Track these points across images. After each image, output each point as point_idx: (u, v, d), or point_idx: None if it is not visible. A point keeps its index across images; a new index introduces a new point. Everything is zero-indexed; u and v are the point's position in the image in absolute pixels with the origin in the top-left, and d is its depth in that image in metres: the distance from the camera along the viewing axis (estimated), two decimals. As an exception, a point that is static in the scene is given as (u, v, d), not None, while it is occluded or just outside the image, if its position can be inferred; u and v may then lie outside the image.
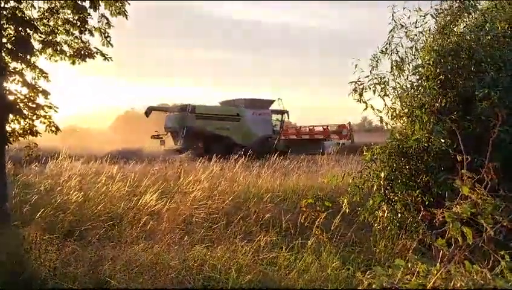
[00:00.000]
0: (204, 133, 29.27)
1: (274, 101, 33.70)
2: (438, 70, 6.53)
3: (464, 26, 6.72)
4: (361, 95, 7.33)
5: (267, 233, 6.34)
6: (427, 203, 6.38)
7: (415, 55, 7.27)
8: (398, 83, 7.23)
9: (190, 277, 4.61)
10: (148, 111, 30.51)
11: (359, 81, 7.38)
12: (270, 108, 33.69)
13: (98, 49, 8.69)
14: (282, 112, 33.96)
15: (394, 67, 7.29)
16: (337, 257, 5.55)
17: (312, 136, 34.03)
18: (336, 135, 33.94)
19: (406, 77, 7.27)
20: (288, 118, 35.03)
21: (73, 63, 8.86)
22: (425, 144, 6.21)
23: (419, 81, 6.83)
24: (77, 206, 7.37)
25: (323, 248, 5.75)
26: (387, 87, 7.24)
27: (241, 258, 5.12)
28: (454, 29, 6.71)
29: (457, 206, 3.12)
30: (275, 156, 13.66)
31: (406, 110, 6.78)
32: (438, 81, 6.48)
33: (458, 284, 3.02)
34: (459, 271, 3.06)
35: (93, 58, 8.71)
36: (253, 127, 31.61)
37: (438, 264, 3.10)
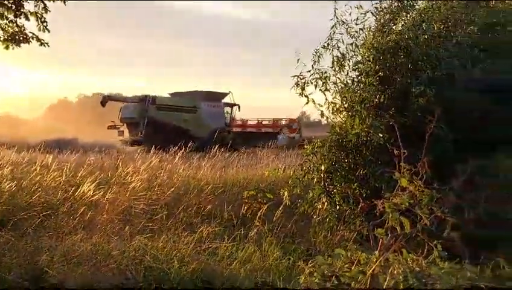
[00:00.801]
0: (165, 124, 28.48)
1: (228, 93, 33.58)
2: (377, 67, 6.75)
3: (402, 25, 6.95)
4: (303, 89, 7.45)
5: (208, 224, 6.33)
6: (364, 195, 6.59)
7: (354, 51, 7.46)
8: (339, 78, 7.41)
9: (131, 266, 4.53)
10: (104, 100, 29.34)
11: (301, 75, 7.49)
12: (223, 101, 33.53)
13: (34, 34, 8.32)
14: (233, 105, 33.90)
15: (335, 63, 7.45)
16: (278, 248, 5.63)
17: (266, 130, 33.92)
18: (287, 129, 34.26)
19: (346, 73, 7.46)
20: (239, 111, 34.92)
21: (7, 47, 8.47)
22: (364, 138, 6.40)
23: (359, 77, 7.01)
24: (10, 195, 7.05)
25: (265, 239, 5.81)
26: (328, 82, 7.40)
27: (183, 248, 5.10)
28: (393, 27, 6.93)
29: (396, 197, 3.24)
30: (220, 149, 13.64)
31: (346, 105, 6.96)
32: (377, 78, 6.69)
33: (395, 271, 3.15)
34: (396, 259, 3.18)
35: (29, 44, 8.36)
36: (208, 120, 31.22)
37: (377, 252, 3.21)
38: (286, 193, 7.10)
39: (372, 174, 6.54)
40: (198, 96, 31.98)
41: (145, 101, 29.07)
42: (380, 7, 7.46)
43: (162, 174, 9.31)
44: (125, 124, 30.22)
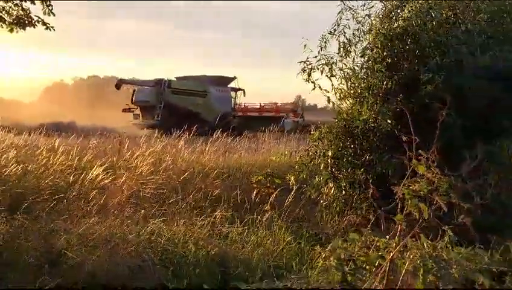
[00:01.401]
0: (179, 108, 28.58)
1: (234, 78, 33.60)
2: (384, 53, 6.77)
3: (410, 11, 6.95)
4: (309, 75, 7.50)
5: (218, 208, 6.42)
6: (370, 181, 6.66)
7: (359, 37, 7.49)
8: (345, 64, 7.45)
9: (148, 249, 4.62)
10: (119, 83, 29.46)
11: (307, 61, 7.53)
12: (229, 85, 33.61)
13: (39, 18, 8.29)
14: (238, 90, 33.87)
15: (341, 49, 7.49)
16: (289, 232, 5.72)
17: (269, 114, 33.90)
18: (292, 114, 34.30)
19: (352, 59, 7.50)
20: (245, 96, 34.73)
21: (11, 30, 8.43)
22: (372, 125, 6.46)
23: (367, 64, 7.05)
24: (16, 179, 7.09)
25: (275, 223, 5.90)
26: (335, 68, 7.44)
27: (197, 232, 5.19)
28: (401, 13, 6.94)
29: (414, 183, 3.31)
30: (223, 133, 13.69)
31: (353, 92, 7.00)
32: (385, 64, 6.72)
33: (412, 256, 3.24)
34: (414, 244, 3.27)
35: (34, 27, 8.32)
36: (217, 104, 31.31)
37: (396, 238, 3.29)
38: (292, 178, 7.18)
39: (379, 160, 6.62)
40: (207, 81, 32.06)
41: (160, 84, 29.01)
42: (388, -7, 7.49)
43: (167, 159, 9.36)
44: (139, 108, 30.12)
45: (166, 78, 29.64)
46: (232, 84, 33.97)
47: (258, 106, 35.70)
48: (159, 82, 29.33)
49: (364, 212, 6.64)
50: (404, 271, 3.11)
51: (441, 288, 3.05)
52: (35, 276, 4.26)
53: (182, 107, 28.82)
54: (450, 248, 3.41)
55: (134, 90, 30.35)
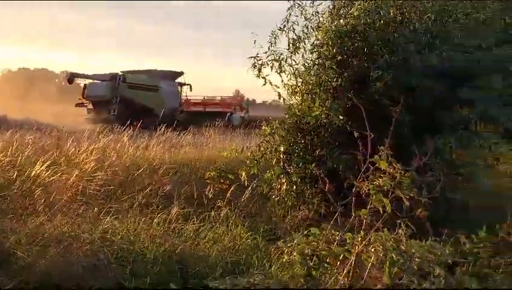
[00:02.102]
0: (134, 103, 28.06)
1: (183, 73, 33.40)
2: (334, 50, 6.88)
3: (358, 10, 7.10)
4: (260, 70, 7.52)
5: (169, 205, 6.32)
6: (322, 176, 6.77)
7: (307, 34, 7.59)
8: (294, 60, 7.53)
9: (104, 248, 4.47)
10: (71, 78, 28.51)
11: (258, 56, 7.55)
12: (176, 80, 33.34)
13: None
14: (185, 85, 33.56)
15: (291, 45, 7.55)
16: (245, 228, 5.71)
17: (215, 109, 33.64)
18: (239, 108, 34.29)
19: (301, 55, 7.58)
20: (191, 91, 34.18)
21: None
22: (324, 121, 6.55)
23: (318, 60, 7.14)
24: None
25: (230, 219, 5.88)
26: (284, 64, 7.50)
27: (154, 229, 5.08)
28: (351, 11, 7.08)
29: (378, 179, 3.40)
30: (168, 128, 13.48)
31: (305, 87, 7.08)
32: (335, 61, 6.84)
33: (376, 250, 3.31)
34: (377, 238, 3.35)
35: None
36: (167, 99, 31.02)
37: (361, 232, 3.36)
38: (244, 174, 7.18)
39: (330, 156, 6.73)
40: (157, 75, 31.74)
41: (116, 79, 28.41)
42: (336, -9, 7.62)
43: (111, 155, 9.10)
44: (91, 102, 29.31)
45: (120, 73, 29.17)
46: (179, 79, 33.73)
47: (201, 100, 35.42)
48: (114, 76, 28.76)
49: (316, 207, 6.73)
50: (370, 265, 3.17)
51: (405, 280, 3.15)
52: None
53: (137, 102, 28.43)
54: (409, 241, 3.53)
55: (85, 85, 29.47)
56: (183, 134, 14.28)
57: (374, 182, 3.40)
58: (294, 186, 7.10)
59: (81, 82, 30.00)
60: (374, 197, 3.32)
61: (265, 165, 7.35)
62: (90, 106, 29.43)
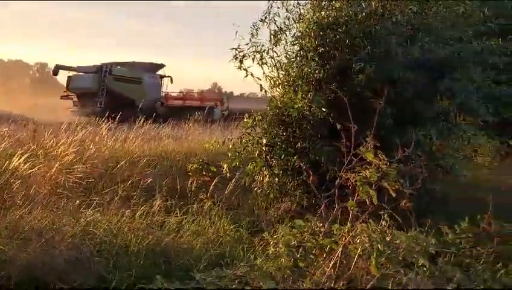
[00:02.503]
0: (119, 95, 27.76)
1: (164, 66, 33.24)
2: (317, 42, 6.88)
3: (339, 1, 7.09)
4: (241, 62, 7.49)
5: (151, 198, 6.26)
6: (304, 168, 6.78)
7: (288, 25, 7.57)
8: (276, 52, 7.51)
9: (86, 241, 4.40)
10: (56, 70, 28.32)
11: (239, 48, 7.51)
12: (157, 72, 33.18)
13: None
14: (165, 77, 33.36)
15: (272, 37, 7.53)
16: (227, 220, 5.69)
17: (194, 103, 33.50)
18: (219, 103, 34.34)
19: (283, 47, 7.57)
20: (172, 83, 33.94)
21: None
22: (307, 113, 6.55)
23: (300, 52, 7.13)
24: None
25: (213, 212, 5.85)
26: (266, 56, 7.48)
27: (136, 221, 5.03)
28: (332, 3, 7.08)
29: (364, 170, 3.40)
30: (147, 121, 13.35)
31: (287, 79, 7.07)
32: (318, 53, 6.84)
33: (362, 241, 3.33)
34: (363, 229, 3.36)
35: None
36: (149, 91, 30.75)
37: (348, 223, 3.37)
38: (225, 166, 7.16)
39: (312, 148, 6.74)
40: (140, 68, 31.54)
41: (101, 71, 28.12)
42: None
43: (90, 147, 8.97)
44: (76, 95, 28.96)
45: (106, 65, 28.80)
46: (160, 72, 33.56)
47: (181, 94, 35.41)
48: (99, 69, 28.46)
49: (299, 199, 6.75)
50: (357, 256, 3.19)
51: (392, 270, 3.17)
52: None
53: (122, 94, 28.14)
54: (394, 231, 3.55)
55: (69, 77, 29.03)
56: (163, 127, 14.16)
57: (360, 174, 3.40)
58: (277, 179, 7.11)
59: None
60: (361, 188, 3.32)
61: (246, 158, 7.34)
62: (75, 98, 29.10)
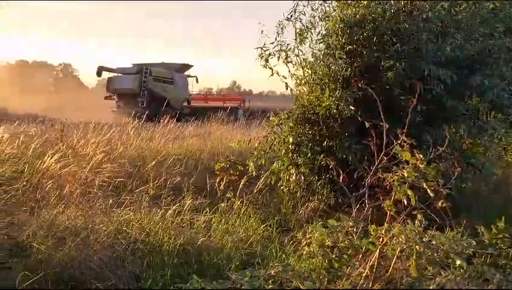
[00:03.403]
0: (158, 95, 28.74)
1: (192, 66, 34.59)
2: (343, 40, 6.82)
3: (367, -1, 7.01)
4: (267, 61, 7.47)
5: (179, 196, 6.29)
6: (330, 167, 6.73)
7: (313, 24, 7.53)
8: (301, 50, 7.48)
9: (121, 240, 4.44)
10: (99, 71, 29.19)
11: (265, 47, 7.50)
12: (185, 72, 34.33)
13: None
14: (191, 76, 34.64)
15: (298, 35, 7.50)
16: (256, 219, 5.69)
17: (223, 103, 34.08)
18: (242, 104, 34.97)
19: (308, 45, 7.54)
20: (197, 83, 35.60)
21: None
22: (334, 111, 6.50)
23: (327, 50, 7.08)
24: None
25: (243, 211, 5.85)
26: (291, 54, 7.46)
27: (169, 220, 5.06)
28: (361, 1, 7.01)
29: (402, 170, 3.35)
30: (172, 120, 13.46)
31: (313, 78, 7.03)
32: (345, 51, 6.78)
33: (401, 241, 3.28)
34: (401, 230, 3.30)
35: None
36: (180, 91, 32.19)
37: (385, 224, 3.32)
38: (252, 165, 7.15)
39: (340, 146, 6.69)
40: (170, 68, 32.53)
41: (142, 72, 29.04)
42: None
43: (118, 147, 9.06)
44: (117, 95, 29.91)
45: (145, 66, 29.74)
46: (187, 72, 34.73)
47: (203, 94, 36.47)
48: (140, 70, 29.38)
49: (326, 198, 6.72)
50: (395, 257, 3.14)
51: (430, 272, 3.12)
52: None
53: (159, 94, 29.04)
54: (432, 232, 3.49)
55: (109, 78, 30.09)
56: (187, 125, 14.26)
57: (397, 173, 3.35)
58: (303, 177, 7.09)
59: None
60: (399, 188, 3.27)
61: (272, 156, 7.34)
62: (117, 99, 29.98)
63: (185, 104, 33.14)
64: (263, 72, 7.45)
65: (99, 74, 29.41)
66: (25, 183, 6.37)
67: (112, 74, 30.17)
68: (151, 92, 28.86)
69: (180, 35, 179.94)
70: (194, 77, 34.66)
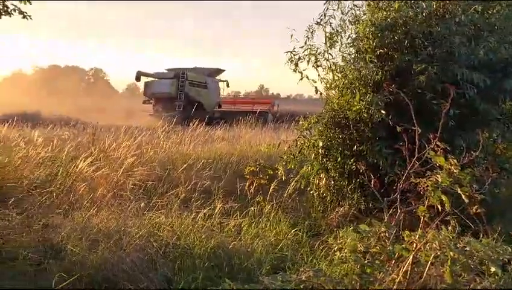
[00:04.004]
0: (193, 99, 29.49)
1: (224, 70, 35.34)
2: (374, 44, 6.78)
3: (398, 2, 6.95)
4: (296, 65, 7.48)
5: (208, 200, 6.36)
6: (361, 171, 6.68)
7: (342, 27, 7.50)
8: (331, 54, 7.46)
9: (155, 243, 4.51)
10: (138, 76, 30.00)
11: (294, 51, 7.51)
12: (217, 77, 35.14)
13: (16, 6, 7.93)
14: (222, 81, 35.43)
15: (327, 39, 7.48)
16: (286, 223, 5.69)
17: (252, 107, 34.50)
18: (271, 108, 35.36)
19: (338, 49, 7.51)
20: (228, 87, 36.79)
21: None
22: (365, 115, 6.46)
23: (357, 54, 7.05)
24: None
25: (273, 215, 5.86)
26: (321, 58, 7.44)
27: (200, 224, 5.11)
28: (392, 4, 6.95)
29: (436, 175, 3.31)
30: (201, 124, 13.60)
31: (345, 81, 7.00)
32: (376, 55, 6.74)
33: (434, 248, 3.24)
34: (435, 236, 3.27)
35: (10, 16, 7.95)
36: (213, 95, 33.20)
37: (419, 230, 3.29)
38: (281, 169, 7.16)
39: (370, 150, 6.64)
40: (205, 72, 33.40)
41: (179, 76, 29.91)
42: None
43: (148, 150, 9.19)
44: (154, 99, 30.85)
45: (181, 70, 30.58)
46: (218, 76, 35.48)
47: (232, 98, 37.06)
48: (177, 74, 30.24)
49: (356, 203, 6.67)
50: (429, 263, 3.10)
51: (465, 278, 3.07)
52: (35, 272, 4.12)
53: (195, 98, 29.86)
54: (467, 238, 3.44)
55: (146, 83, 30.99)
56: (216, 129, 14.37)
57: (431, 179, 3.32)
58: (333, 182, 7.06)
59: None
60: (433, 193, 3.24)
61: (302, 160, 7.33)
62: (154, 103, 30.89)
63: (216, 108, 33.83)
64: (291, 75, 7.48)
65: (138, 78, 30.10)
66: (58, 186, 6.54)
67: (149, 79, 31.00)
68: (187, 96, 29.62)
69: (208, 37, 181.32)
70: (225, 81, 35.38)
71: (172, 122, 13.12)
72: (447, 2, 6.67)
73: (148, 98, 31.26)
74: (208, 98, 31.90)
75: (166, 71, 32.02)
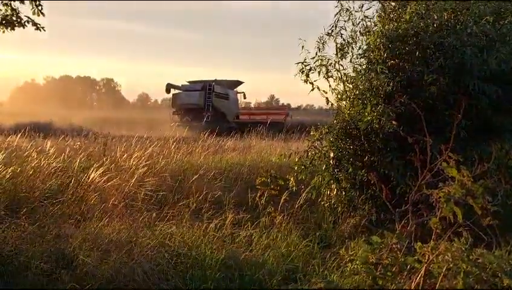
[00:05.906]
0: (218, 110, 31.55)
1: (243, 82, 36.96)
2: (385, 54, 6.78)
3: (410, 14, 6.95)
4: (307, 76, 7.50)
5: (219, 211, 6.37)
6: (372, 182, 6.66)
7: (353, 38, 7.52)
8: (341, 65, 7.47)
9: (166, 254, 4.52)
10: (168, 88, 31.63)
11: (305, 62, 7.53)
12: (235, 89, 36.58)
13: (29, 18, 8.03)
14: (239, 93, 37.13)
15: (338, 50, 7.50)
16: (297, 235, 5.67)
17: (267, 117, 35.02)
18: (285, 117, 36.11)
19: (349, 60, 7.52)
20: (245, 98, 39.32)
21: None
22: (376, 126, 6.45)
23: (368, 65, 7.05)
24: (10, 182, 6.85)
25: (284, 226, 5.85)
26: (332, 69, 7.45)
27: (211, 234, 5.12)
28: (402, 15, 6.97)
29: (448, 187, 3.30)
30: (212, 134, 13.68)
31: (356, 92, 7.00)
32: (387, 66, 6.73)
33: (447, 259, 3.22)
34: (447, 248, 3.25)
35: (24, 27, 8.06)
36: (233, 106, 35.01)
37: (431, 242, 3.27)
38: (292, 179, 7.14)
39: (381, 161, 6.62)
40: (226, 84, 34.87)
41: (206, 88, 31.52)
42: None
43: (159, 160, 9.23)
44: (183, 110, 32.05)
45: (208, 83, 32.11)
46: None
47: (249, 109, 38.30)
48: (204, 86, 31.87)
49: (367, 214, 6.64)
50: (441, 275, 3.08)
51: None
52: (47, 282, 4.14)
53: (219, 109, 31.87)
54: (481, 250, 3.41)
55: (174, 95, 32.65)
56: (227, 139, 14.43)
57: (443, 190, 3.30)
58: (344, 193, 7.04)
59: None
60: (445, 205, 3.22)
61: (313, 171, 7.31)
62: (182, 114, 32.07)
63: (235, 118, 34.87)
64: (302, 86, 7.50)
65: (168, 90, 31.68)
66: (70, 196, 6.58)
67: (178, 90, 32.47)
68: (214, 107, 31.12)
69: (219, 48, 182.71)
70: (242, 93, 37.08)
71: (202, 132, 13.46)
72: (459, 13, 6.66)
73: (177, 110, 32.41)
74: (229, 109, 33.45)
75: (188, 83, 33.46)
